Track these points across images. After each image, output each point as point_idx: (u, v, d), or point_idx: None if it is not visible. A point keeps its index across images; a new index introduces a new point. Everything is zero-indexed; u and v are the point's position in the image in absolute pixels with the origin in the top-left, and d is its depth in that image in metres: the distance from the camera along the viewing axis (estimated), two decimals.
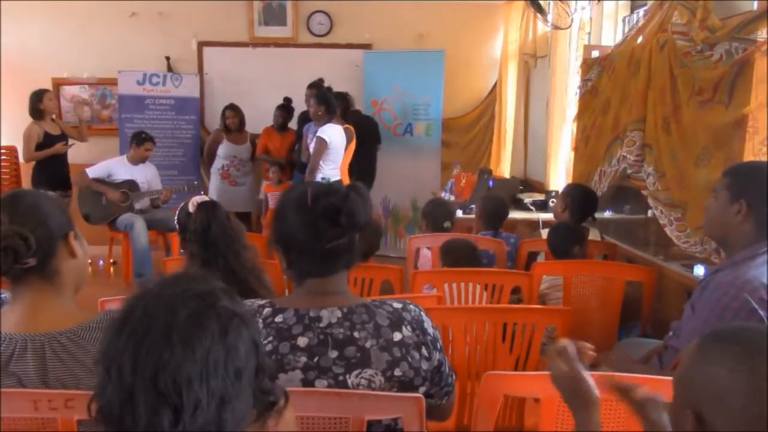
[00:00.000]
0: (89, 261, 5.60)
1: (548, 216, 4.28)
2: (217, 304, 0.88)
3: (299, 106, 5.73)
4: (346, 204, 1.31)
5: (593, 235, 3.34)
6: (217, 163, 5.79)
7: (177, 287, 0.88)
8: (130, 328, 0.84)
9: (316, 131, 4.55)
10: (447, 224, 3.56)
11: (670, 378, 1.04)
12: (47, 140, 5.15)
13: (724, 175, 1.79)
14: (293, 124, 5.82)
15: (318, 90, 4.96)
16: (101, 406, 0.83)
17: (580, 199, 3.24)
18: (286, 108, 5.76)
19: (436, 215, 3.61)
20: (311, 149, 4.57)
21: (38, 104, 5.14)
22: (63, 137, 5.29)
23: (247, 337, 0.89)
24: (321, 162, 4.43)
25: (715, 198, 1.77)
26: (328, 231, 1.31)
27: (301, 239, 1.33)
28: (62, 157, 5.27)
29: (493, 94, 6.28)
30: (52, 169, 5.15)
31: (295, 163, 5.51)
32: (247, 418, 0.89)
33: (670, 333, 1.87)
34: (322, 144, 4.40)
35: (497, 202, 3.74)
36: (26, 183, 5.50)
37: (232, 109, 5.74)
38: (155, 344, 0.81)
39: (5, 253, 1.21)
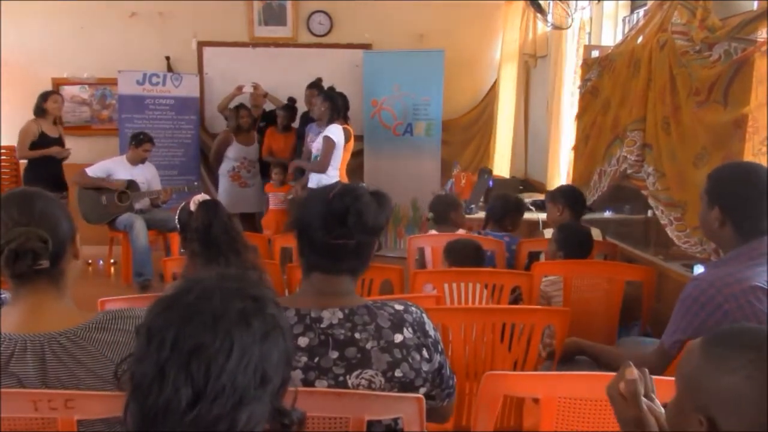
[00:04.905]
0: (89, 261, 5.54)
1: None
2: (266, 310, 0.90)
3: (301, 106, 5.74)
4: (357, 204, 1.34)
5: (595, 235, 3.34)
6: (227, 165, 5.69)
7: (234, 283, 0.91)
8: (182, 306, 0.86)
9: (320, 132, 4.54)
10: (430, 215, 3.67)
11: (671, 378, 1.03)
12: (42, 140, 5.12)
13: (707, 178, 1.77)
14: (295, 124, 5.81)
15: (322, 90, 4.96)
16: (135, 374, 0.85)
17: (572, 197, 3.27)
18: (290, 108, 5.74)
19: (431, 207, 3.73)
20: (314, 149, 4.56)
21: (42, 103, 5.16)
22: (60, 141, 5.29)
23: (283, 350, 0.91)
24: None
25: (701, 201, 1.77)
26: (337, 227, 1.33)
27: (312, 228, 1.36)
28: (57, 158, 5.23)
29: (492, 94, 6.28)
30: (46, 169, 5.07)
31: None
32: (259, 429, 0.89)
33: None
34: (331, 143, 4.39)
35: (505, 201, 3.69)
36: None
37: (246, 108, 5.73)
38: (201, 326, 0.84)
39: (24, 255, 1.20)
